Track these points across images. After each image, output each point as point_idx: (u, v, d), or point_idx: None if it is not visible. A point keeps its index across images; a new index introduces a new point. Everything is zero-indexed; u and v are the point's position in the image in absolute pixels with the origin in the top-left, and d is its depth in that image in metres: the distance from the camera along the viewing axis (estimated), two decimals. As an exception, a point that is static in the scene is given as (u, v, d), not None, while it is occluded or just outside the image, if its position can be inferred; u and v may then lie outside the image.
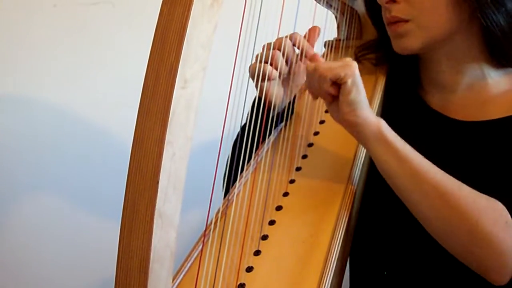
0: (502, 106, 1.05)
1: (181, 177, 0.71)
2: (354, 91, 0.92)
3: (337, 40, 1.30)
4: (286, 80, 1.10)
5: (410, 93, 1.15)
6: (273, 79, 1.06)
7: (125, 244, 0.70)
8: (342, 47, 1.28)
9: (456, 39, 1.06)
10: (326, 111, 1.14)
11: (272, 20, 1.01)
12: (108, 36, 1.63)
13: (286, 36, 1.07)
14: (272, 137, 1.11)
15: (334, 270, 0.91)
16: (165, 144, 0.69)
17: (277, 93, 1.08)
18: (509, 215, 0.91)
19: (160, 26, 0.72)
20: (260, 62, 1.05)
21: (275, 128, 1.12)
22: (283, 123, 1.13)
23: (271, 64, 1.05)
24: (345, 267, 0.99)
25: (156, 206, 0.69)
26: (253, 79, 1.05)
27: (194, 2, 0.71)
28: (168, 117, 0.70)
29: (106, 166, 1.56)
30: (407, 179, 0.92)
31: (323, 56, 1.28)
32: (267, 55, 1.05)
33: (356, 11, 1.28)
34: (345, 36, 1.29)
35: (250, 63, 1.05)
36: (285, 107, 1.12)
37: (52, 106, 1.59)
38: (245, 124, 1.03)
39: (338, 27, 1.31)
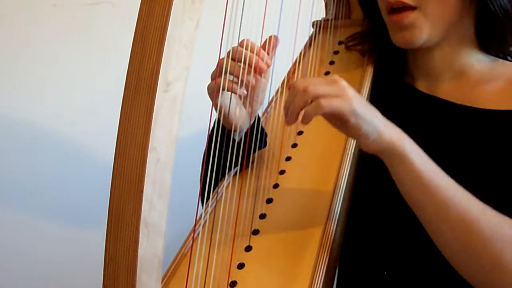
0: (490, 96, 1.02)
1: (166, 183, 0.69)
2: (362, 124, 0.84)
3: (325, 20, 1.27)
4: (245, 97, 1.01)
5: (396, 81, 1.12)
6: (228, 90, 0.97)
7: (111, 255, 0.68)
8: (330, 27, 1.25)
9: (452, 29, 1.03)
10: None
11: (258, 1, 0.98)
12: (108, 36, 1.61)
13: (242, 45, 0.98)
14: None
15: (327, 263, 0.89)
16: (148, 151, 0.67)
17: (237, 112, 1.00)
18: None
19: (139, 27, 0.69)
20: (213, 79, 0.97)
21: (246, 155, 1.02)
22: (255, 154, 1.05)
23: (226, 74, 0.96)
24: (338, 261, 0.98)
25: (142, 215, 0.67)
26: (210, 97, 0.97)
27: (174, 0, 0.68)
28: (151, 122, 0.67)
29: (106, 167, 1.54)
30: (430, 207, 0.87)
31: (311, 37, 1.25)
32: (221, 66, 0.96)
33: (344, -10, 1.25)
34: (333, 16, 1.26)
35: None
36: (247, 131, 1.03)
37: (52, 106, 1.58)
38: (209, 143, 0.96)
39: (326, 7, 1.28)
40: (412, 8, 1.00)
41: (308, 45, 1.24)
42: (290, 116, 0.86)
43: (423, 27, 1.01)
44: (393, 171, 0.88)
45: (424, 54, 1.07)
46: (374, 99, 1.10)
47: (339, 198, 0.95)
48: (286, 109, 0.86)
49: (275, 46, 1.01)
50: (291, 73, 1.19)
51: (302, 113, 0.85)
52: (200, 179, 0.89)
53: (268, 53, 1.00)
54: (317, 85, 0.84)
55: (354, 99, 0.84)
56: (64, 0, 1.60)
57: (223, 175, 0.98)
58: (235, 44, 1.02)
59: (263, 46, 1.01)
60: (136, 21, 0.69)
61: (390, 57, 1.12)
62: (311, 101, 0.84)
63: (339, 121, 0.85)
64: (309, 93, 0.83)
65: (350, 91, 0.84)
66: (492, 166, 0.96)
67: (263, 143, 1.05)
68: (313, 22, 1.26)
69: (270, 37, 1.01)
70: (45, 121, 1.58)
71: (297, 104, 0.84)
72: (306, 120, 0.85)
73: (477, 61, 1.06)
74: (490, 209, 0.87)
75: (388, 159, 0.88)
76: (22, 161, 1.56)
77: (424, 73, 1.10)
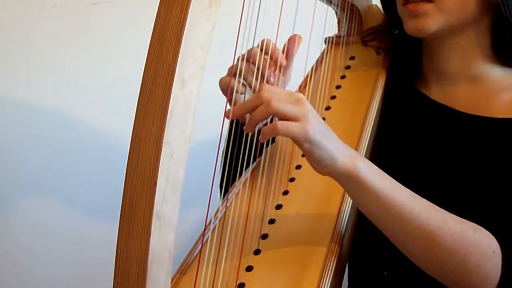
0: (504, 105, 1.04)
1: (179, 178, 0.71)
2: (315, 150, 0.84)
3: (338, 36, 1.29)
4: None
5: (408, 87, 1.14)
6: (241, 94, 0.98)
7: (123, 246, 0.70)
8: (342, 43, 1.27)
9: (467, 30, 1.05)
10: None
11: (272, 17, 1.00)
12: (108, 36, 1.62)
13: (258, 45, 1.01)
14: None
15: (335, 268, 0.90)
16: (163, 145, 0.69)
17: None
18: (497, 242, 0.89)
19: (157, 26, 0.71)
20: (231, 75, 0.99)
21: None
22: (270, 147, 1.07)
23: (240, 77, 0.98)
24: (345, 265, 0.99)
25: (154, 208, 0.69)
26: (224, 94, 1.00)
27: (192, 2, 0.70)
28: (166, 117, 0.69)
29: (107, 167, 1.56)
30: (391, 223, 0.89)
31: (323, 52, 1.27)
32: (236, 68, 0.98)
33: (357, 7, 1.27)
34: (346, 32, 1.28)
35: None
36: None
37: (52, 106, 1.59)
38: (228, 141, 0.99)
39: (338, 23, 1.30)
40: (429, 1, 1.03)
41: (320, 60, 1.26)
42: (248, 125, 0.86)
43: (436, 18, 1.03)
44: (351, 194, 0.90)
45: (438, 54, 1.09)
46: (386, 109, 1.11)
47: (348, 204, 0.97)
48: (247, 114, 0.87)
49: (297, 45, 1.04)
50: (303, 87, 1.21)
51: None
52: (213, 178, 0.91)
53: (288, 51, 1.04)
54: (281, 102, 0.83)
55: (311, 126, 0.83)
56: (64, 0, 1.61)
57: (237, 169, 0.99)
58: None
59: (286, 44, 1.05)
60: (152, 19, 0.72)
61: (404, 59, 1.15)
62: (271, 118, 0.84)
63: (295, 142, 0.85)
64: (270, 108, 0.83)
65: (311, 116, 0.84)
66: (504, 174, 0.97)
67: (271, 140, 1.06)
68: (326, 38, 1.29)
69: (294, 36, 1.05)
70: (46, 120, 1.59)
71: (257, 116, 0.84)
72: (263, 139, 0.85)
73: (493, 71, 1.08)
74: (453, 217, 0.89)
75: (344, 184, 0.89)
76: (23, 161, 1.57)
77: (439, 77, 1.11)
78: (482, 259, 0.88)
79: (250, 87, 1.01)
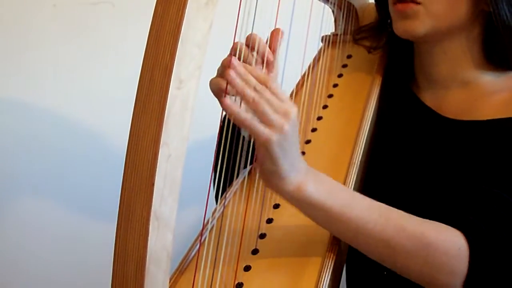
0: (493, 106, 1.03)
1: (177, 178, 0.71)
2: (268, 164, 0.83)
3: (335, 34, 1.29)
4: None
5: (404, 89, 1.14)
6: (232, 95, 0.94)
7: (121, 246, 0.70)
8: (339, 41, 1.27)
9: (457, 36, 1.05)
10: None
11: (269, 16, 0.99)
12: (108, 36, 1.62)
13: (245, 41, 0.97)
14: None
15: (333, 267, 0.91)
16: (160, 145, 0.69)
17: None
18: (464, 240, 0.88)
19: (154, 26, 0.71)
20: (219, 74, 0.95)
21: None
22: None
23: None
24: (344, 265, 0.99)
25: (152, 208, 0.68)
26: (215, 95, 0.96)
27: (188, 1, 0.70)
28: (163, 117, 0.69)
29: (105, 167, 1.56)
30: (349, 237, 0.90)
31: (320, 51, 1.27)
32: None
33: (353, 6, 1.27)
34: (343, 31, 1.29)
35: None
36: None
37: (52, 106, 1.59)
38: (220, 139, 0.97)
39: (335, 22, 1.30)
40: (417, 2, 1.02)
41: (317, 58, 1.26)
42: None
43: (424, 21, 1.03)
44: (304, 212, 0.90)
45: (428, 59, 1.09)
46: (383, 109, 1.11)
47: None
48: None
49: (280, 39, 0.99)
50: (300, 85, 1.21)
51: None
52: (211, 178, 0.91)
53: (271, 46, 0.98)
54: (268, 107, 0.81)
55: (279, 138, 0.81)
56: (64, 0, 1.61)
57: (233, 172, 1.00)
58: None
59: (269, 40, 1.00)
60: (151, 19, 0.72)
61: (398, 60, 1.15)
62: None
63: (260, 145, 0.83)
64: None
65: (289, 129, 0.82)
66: (485, 174, 0.97)
67: None
68: (323, 37, 1.29)
69: (277, 30, 0.99)
70: (44, 120, 1.59)
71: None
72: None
73: (483, 76, 1.07)
74: (413, 221, 0.89)
75: (293, 204, 0.88)
76: (21, 161, 1.57)
77: (429, 81, 1.11)
78: (444, 257, 0.88)
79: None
